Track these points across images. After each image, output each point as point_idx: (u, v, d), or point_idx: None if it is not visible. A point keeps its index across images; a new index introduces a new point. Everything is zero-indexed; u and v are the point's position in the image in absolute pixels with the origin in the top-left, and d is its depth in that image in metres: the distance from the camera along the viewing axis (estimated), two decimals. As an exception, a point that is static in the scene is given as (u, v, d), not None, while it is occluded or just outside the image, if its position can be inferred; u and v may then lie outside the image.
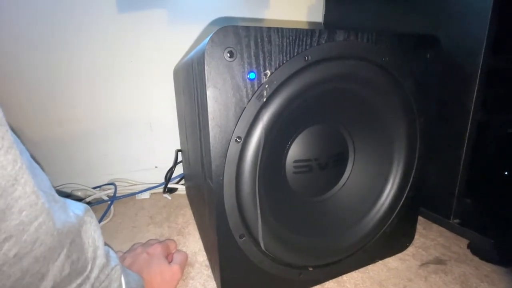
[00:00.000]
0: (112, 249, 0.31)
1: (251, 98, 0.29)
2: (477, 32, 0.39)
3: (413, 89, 0.38)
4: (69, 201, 0.26)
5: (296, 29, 0.29)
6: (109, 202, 0.65)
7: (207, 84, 0.27)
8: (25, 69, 0.61)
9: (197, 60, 0.30)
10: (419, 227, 0.52)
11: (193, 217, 0.60)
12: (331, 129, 0.40)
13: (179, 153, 0.73)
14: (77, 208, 0.26)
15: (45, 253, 0.21)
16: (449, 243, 0.48)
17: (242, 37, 0.27)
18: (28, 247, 0.20)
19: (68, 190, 0.67)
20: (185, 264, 0.44)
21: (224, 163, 0.29)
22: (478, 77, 0.39)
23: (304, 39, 0.30)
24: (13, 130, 0.22)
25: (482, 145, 0.43)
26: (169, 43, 0.69)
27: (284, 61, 0.29)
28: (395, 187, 0.41)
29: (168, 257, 0.43)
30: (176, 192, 0.73)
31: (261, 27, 0.28)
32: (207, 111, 0.28)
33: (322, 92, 0.33)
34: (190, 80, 0.37)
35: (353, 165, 0.42)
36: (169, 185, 0.71)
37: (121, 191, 0.70)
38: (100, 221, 0.58)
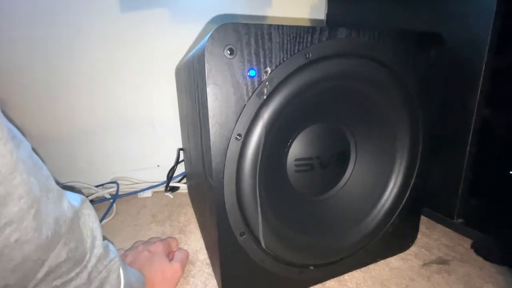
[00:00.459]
0: (113, 244, 0.32)
1: (252, 95, 0.29)
2: (481, 29, 0.38)
3: (416, 88, 0.37)
4: (67, 192, 0.26)
5: (297, 27, 0.29)
6: (111, 200, 0.65)
7: (207, 82, 0.27)
8: (28, 68, 0.62)
9: (198, 58, 0.30)
10: (422, 227, 0.51)
11: (194, 216, 0.60)
12: (333, 127, 0.39)
13: (181, 152, 0.73)
14: (74, 199, 0.27)
15: (47, 241, 0.22)
16: (453, 243, 0.48)
17: (242, 35, 0.27)
18: (29, 234, 0.21)
19: (71, 188, 0.68)
20: (186, 262, 0.44)
21: (225, 161, 0.29)
22: (482, 75, 0.39)
23: (305, 36, 0.30)
24: (17, 127, 0.23)
25: (486, 144, 0.42)
26: (170, 42, 0.69)
27: (285, 59, 0.29)
28: (397, 186, 0.40)
29: (170, 255, 0.44)
30: (178, 191, 0.73)
31: (261, 24, 0.27)
32: (207, 108, 0.28)
33: (323, 90, 0.33)
34: (191, 78, 0.37)
35: (355, 164, 0.42)
36: (171, 184, 0.72)
37: (123, 190, 0.70)
38: (102, 219, 0.59)
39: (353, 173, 0.42)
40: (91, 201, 0.66)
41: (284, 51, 0.29)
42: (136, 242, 0.47)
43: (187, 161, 0.62)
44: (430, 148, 0.40)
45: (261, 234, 0.33)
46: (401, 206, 0.41)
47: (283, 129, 0.34)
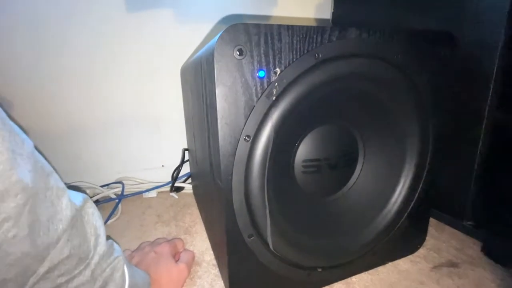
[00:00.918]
0: (118, 244, 0.32)
1: (261, 96, 0.28)
2: (493, 30, 0.37)
3: (426, 88, 0.37)
4: (70, 191, 0.27)
5: (307, 27, 0.29)
6: (116, 200, 0.65)
7: (217, 83, 0.27)
8: (33, 68, 0.62)
9: (206, 58, 0.30)
10: (430, 229, 0.50)
11: (200, 216, 0.60)
12: (341, 128, 0.39)
13: (186, 152, 0.73)
14: (76, 198, 0.27)
15: (41, 238, 0.22)
16: (462, 245, 0.47)
17: (252, 35, 0.27)
18: (25, 230, 0.21)
19: (76, 189, 0.68)
20: (192, 263, 0.44)
21: (233, 163, 0.29)
22: (494, 75, 0.38)
23: (315, 36, 0.29)
24: (21, 128, 0.23)
25: (497, 145, 0.41)
26: (176, 42, 0.69)
27: (294, 59, 0.29)
28: (406, 187, 0.40)
29: (176, 256, 0.43)
30: (183, 191, 0.73)
31: (271, 25, 0.27)
32: (216, 109, 0.27)
33: (332, 90, 0.33)
34: (198, 78, 0.37)
35: (363, 165, 0.41)
36: (176, 184, 0.72)
37: (128, 190, 0.71)
38: (108, 219, 0.59)
39: (362, 174, 0.41)
40: (97, 201, 0.66)
41: (294, 51, 0.29)
42: (142, 243, 0.47)
43: (193, 161, 0.62)
44: (440, 149, 0.40)
45: (269, 236, 0.33)
46: (410, 208, 0.41)
47: (291, 130, 0.33)
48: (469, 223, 0.44)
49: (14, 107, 0.62)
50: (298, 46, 0.29)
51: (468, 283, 0.39)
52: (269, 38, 0.27)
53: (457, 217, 0.46)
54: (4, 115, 0.21)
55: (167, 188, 0.72)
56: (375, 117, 0.39)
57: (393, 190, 0.40)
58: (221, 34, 0.26)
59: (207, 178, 0.39)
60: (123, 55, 0.67)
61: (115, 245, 0.31)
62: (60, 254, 0.24)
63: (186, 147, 0.73)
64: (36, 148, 0.24)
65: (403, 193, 0.40)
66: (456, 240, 0.48)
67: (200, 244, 0.50)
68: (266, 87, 0.28)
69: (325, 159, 0.38)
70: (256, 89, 0.28)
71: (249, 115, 0.28)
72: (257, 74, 0.28)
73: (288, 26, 0.28)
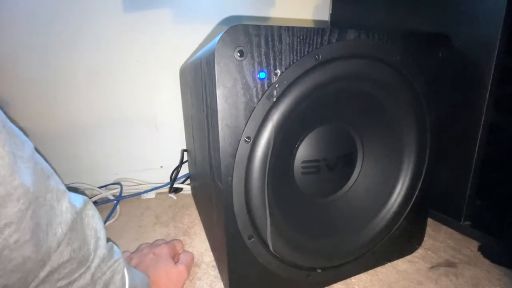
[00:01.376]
0: (117, 246, 0.32)
1: (261, 98, 0.28)
2: (490, 30, 0.38)
3: (424, 89, 0.37)
4: (70, 193, 0.26)
5: (307, 28, 0.29)
6: (115, 201, 0.65)
7: (217, 84, 0.27)
8: (32, 69, 0.62)
9: (207, 60, 0.30)
10: (427, 229, 0.51)
11: (199, 217, 0.59)
12: (340, 129, 0.39)
13: (185, 153, 0.73)
14: (76, 200, 0.27)
15: (42, 243, 0.22)
16: (459, 245, 0.47)
17: (253, 36, 0.27)
18: (27, 235, 0.21)
19: (74, 190, 0.68)
20: (191, 264, 0.44)
21: (233, 164, 0.29)
22: (491, 76, 0.39)
23: (315, 38, 0.29)
24: (20, 129, 0.23)
25: (494, 146, 0.42)
26: (175, 43, 0.69)
27: (295, 60, 0.29)
28: (405, 187, 0.40)
29: (175, 258, 0.43)
30: (182, 192, 0.73)
31: (271, 26, 0.27)
32: (216, 111, 0.27)
33: (332, 91, 0.33)
34: (198, 79, 0.37)
35: (362, 166, 0.41)
36: (175, 185, 0.71)
37: (126, 191, 0.70)
38: (106, 220, 0.58)
39: (360, 175, 0.41)
40: (95, 202, 0.66)
41: (294, 52, 0.29)
42: (141, 245, 0.47)
43: (192, 162, 0.62)
44: (438, 150, 0.40)
45: (269, 237, 0.33)
46: (408, 208, 0.41)
47: (291, 131, 0.33)
48: (466, 223, 0.45)
49: (13, 108, 0.62)
50: (299, 48, 0.29)
51: (465, 283, 0.39)
52: (270, 39, 0.27)
53: (455, 217, 0.46)
54: (4, 117, 0.21)
55: (166, 189, 0.72)
56: (373, 118, 0.39)
57: (392, 190, 0.40)
58: (221, 35, 0.26)
59: (207, 179, 0.39)
60: (122, 56, 0.66)
61: (115, 247, 0.31)
62: (61, 257, 0.23)
63: (184, 148, 0.72)
64: (36, 149, 0.24)
65: (402, 193, 0.40)
66: (453, 240, 0.49)
67: (199, 245, 0.50)
68: (266, 88, 0.28)
69: (324, 160, 0.38)
70: (256, 91, 0.28)
71: (250, 116, 0.28)
72: (258, 76, 0.28)
73: (288, 27, 0.28)
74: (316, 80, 0.30)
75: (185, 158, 0.73)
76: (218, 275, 0.42)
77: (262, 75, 0.28)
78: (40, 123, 0.65)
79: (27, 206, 0.20)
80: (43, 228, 0.22)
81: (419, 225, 0.45)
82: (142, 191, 0.71)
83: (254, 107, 0.28)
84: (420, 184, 0.41)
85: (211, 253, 0.47)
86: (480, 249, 0.45)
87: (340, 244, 0.39)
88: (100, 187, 0.70)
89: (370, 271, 0.42)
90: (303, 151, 0.37)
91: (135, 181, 0.73)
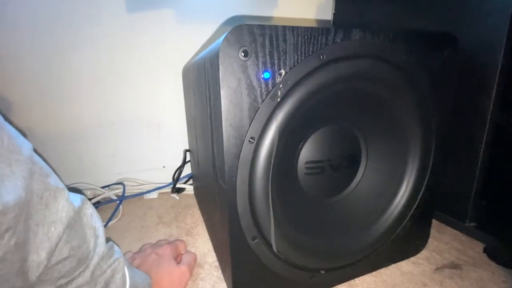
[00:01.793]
0: (119, 246, 0.32)
1: (265, 98, 0.28)
2: (496, 30, 0.37)
3: (429, 89, 0.37)
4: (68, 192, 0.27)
5: (311, 28, 0.28)
6: (117, 201, 0.65)
7: (221, 84, 0.26)
8: (34, 69, 0.62)
9: (210, 60, 0.30)
10: (432, 230, 0.50)
11: (201, 218, 0.59)
12: (344, 129, 0.39)
13: (187, 153, 0.72)
14: (74, 199, 0.27)
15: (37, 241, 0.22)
16: (464, 247, 0.47)
17: (257, 36, 0.26)
18: (21, 237, 0.21)
19: (76, 190, 0.68)
20: (194, 265, 0.43)
21: (237, 164, 0.29)
22: (497, 77, 0.38)
23: (319, 37, 0.29)
24: (23, 129, 0.23)
25: (500, 147, 0.41)
26: (177, 43, 0.69)
27: (299, 60, 0.29)
28: (409, 188, 0.40)
29: (178, 258, 0.43)
30: (184, 192, 0.73)
31: (276, 26, 0.27)
32: (220, 111, 0.27)
33: (336, 91, 0.33)
34: (201, 80, 0.37)
35: (366, 166, 0.41)
36: (177, 185, 0.71)
37: (129, 191, 0.70)
38: (109, 220, 0.58)
39: (364, 176, 0.41)
40: (97, 202, 0.66)
41: (299, 52, 0.28)
42: (144, 245, 0.47)
43: (194, 162, 0.62)
44: (443, 151, 0.40)
45: (273, 238, 0.32)
46: (413, 209, 0.41)
47: (295, 132, 0.33)
48: (471, 224, 0.44)
49: (16, 108, 0.62)
50: (303, 48, 0.29)
51: (470, 285, 0.39)
52: (274, 39, 0.27)
53: (459, 218, 0.46)
54: (1, 119, 0.21)
55: (168, 189, 0.72)
56: (378, 118, 0.39)
57: (396, 191, 0.40)
58: (226, 35, 0.25)
59: (210, 179, 0.39)
60: (125, 56, 0.66)
61: (115, 247, 0.31)
62: (59, 255, 0.24)
63: (187, 148, 0.72)
64: (35, 150, 0.24)
65: (406, 194, 0.40)
66: (457, 241, 0.48)
67: (202, 245, 0.50)
68: (271, 88, 0.28)
69: (328, 161, 0.38)
70: (261, 91, 0.28)
71: (254, 116, 0.28)
72: (262, 76, 0.28)
73: (293, 27, 0.28)
74: (320, 80, 0.30)
75: (188, 158, 0.72)
76: (221, 276, 0.41)
77: (267, 75, 0.28)
78: (43, 123, 0.65)
79: (20, 212, 0.21)
80: (33, 228, 0.22)
81: (424, 226, 0.45)
82: (145, 191, 0.71)
83: (258, 108, 0.28)
84: (424, 185, 0.40)
85: (214, 254, 0.47)
86: (485, 250, 0.45)
87: (344, 245, 0.38)
88: (102, 187, 0.70)
89: (374, 273, 0.42)
90: (307, 152, 0.37)
91: (138, 181, 0.73)
